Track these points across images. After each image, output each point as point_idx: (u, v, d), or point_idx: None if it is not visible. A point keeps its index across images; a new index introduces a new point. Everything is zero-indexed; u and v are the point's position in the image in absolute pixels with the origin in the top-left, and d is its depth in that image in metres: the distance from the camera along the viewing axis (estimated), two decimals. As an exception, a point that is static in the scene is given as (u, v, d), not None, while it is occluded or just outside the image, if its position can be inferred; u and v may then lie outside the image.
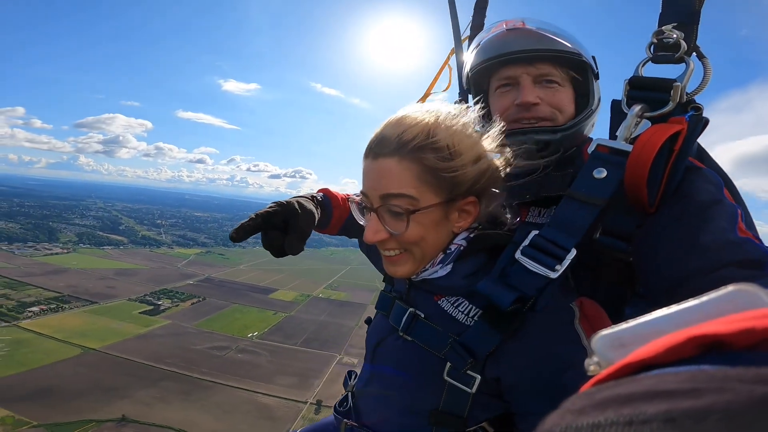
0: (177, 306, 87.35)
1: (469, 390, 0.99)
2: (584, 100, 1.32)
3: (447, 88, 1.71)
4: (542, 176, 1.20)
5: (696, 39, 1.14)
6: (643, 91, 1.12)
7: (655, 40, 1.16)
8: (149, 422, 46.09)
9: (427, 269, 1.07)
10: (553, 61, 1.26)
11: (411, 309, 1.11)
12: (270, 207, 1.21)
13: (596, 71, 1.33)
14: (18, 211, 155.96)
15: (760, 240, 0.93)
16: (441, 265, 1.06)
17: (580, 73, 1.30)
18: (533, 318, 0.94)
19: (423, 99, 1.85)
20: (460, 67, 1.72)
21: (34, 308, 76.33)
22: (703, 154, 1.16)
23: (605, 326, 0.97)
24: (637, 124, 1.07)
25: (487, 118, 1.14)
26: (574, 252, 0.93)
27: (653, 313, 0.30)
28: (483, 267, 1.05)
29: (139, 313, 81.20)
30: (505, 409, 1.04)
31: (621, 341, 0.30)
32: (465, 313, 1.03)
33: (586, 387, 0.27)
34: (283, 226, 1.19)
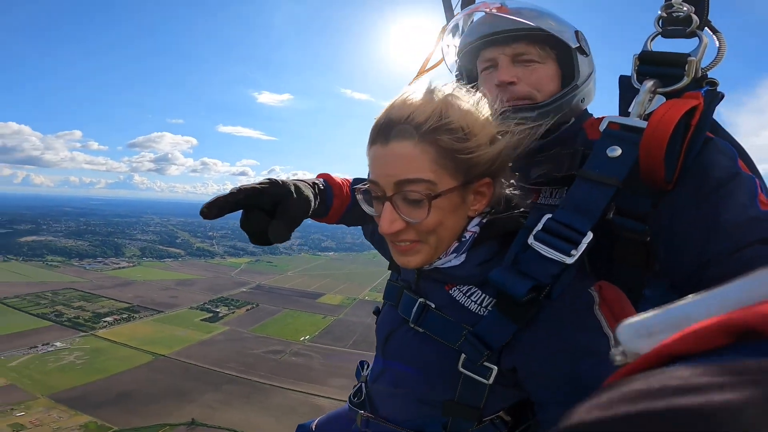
0: (233, 313, 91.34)
1: (485, 381, 0.96)
2: (569, 75, 1.30)
3: (439, 63, 1.63)
4: (551, 156, 1.17)
5: (708, 13, 1.09)
6: (654, 66, 1.07)
7: (664, 14, 1.11)
8: (216, 425, 48.49)
9: (441, 258, 1.02)
10: (528, 40, 1.25)
11: (421, 299, 1.08)
12: (260, 183, 1.05)
13: (578, 46, 1.28)
14: (85, 230, 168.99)
15: None
16: (455, 254, 1.02)
17: (560, 49, 1.28)
18: (549, 306, 0.90)
19: (416, 79, 1.68)
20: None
21: (108, 318, 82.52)
22: (717, 127, 1.10)
23: (626, 310, 0.90)
24: (650, 100, 1.03)
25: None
26: (590, 235, 0.88)
27: (681, 299, 0.28)
28: (496, 254, 1.02)
29: (200, 320, 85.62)
30: (522, 397, 1.02)
31: (648, 330, 0.29)
32: (478, 302, 1.00)
33: (613, 378, 0.26)
34: (272, 209, 1.04)
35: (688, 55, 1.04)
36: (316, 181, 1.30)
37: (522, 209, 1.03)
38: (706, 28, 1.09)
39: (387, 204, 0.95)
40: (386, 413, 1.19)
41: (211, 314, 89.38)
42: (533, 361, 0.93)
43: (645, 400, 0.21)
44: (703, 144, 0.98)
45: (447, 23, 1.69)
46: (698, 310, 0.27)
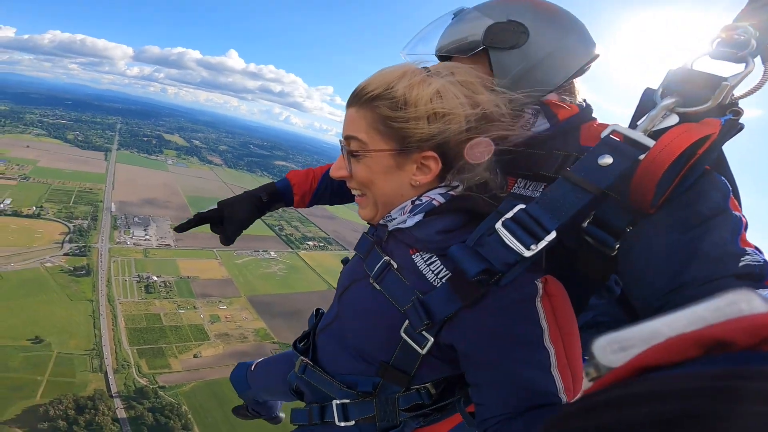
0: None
1: (420, 351, 1.01)
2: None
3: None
4: (543, 155, 1.16)
5: None
6: (684, 84, 0.99)
7: (723, 35, 1.01)
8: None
9: (396, 218, 1.09)
10: (455, 53, 1.28)
11: (386, 257, 1.13)
12: (210, 209, 1.59)
13: (485, 46, 1.21)
14: (315, 166, 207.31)
15: (760, 252, 0.90)
16: (410, 214, 1.07)
17: (479, 55, 1.24)
18: (495, 292, 0.94)
19: None
20: None
21: (310, 242, 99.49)
22: (722, 158, 1.03)
23: (565, 306, 0.96)
24: (663, 117, 0.97)
25: None
26: (553, 235, 0.88)
27: (653, 318, 0.30)
28: (460, 227, 1.05)
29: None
30: (451, 374, 1.09)
31: (621, 345, 0.30)
32: (435, 273, 1.03)
33: (590, 390, 0.27)
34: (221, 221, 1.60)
35: (725, 79, 0.95)
36: (267, 186, 1.71)
37: (495, 193, 1.07)
38: (759, 55, 0.99)
39: (342, 154, 1.10)
40: (325, 363, 1.27)
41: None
42: (470, 341, 0.97)
43: (618, 408, 0.22)
44: (702, 176, 0.95)
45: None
46: (669, 327, 0.28)
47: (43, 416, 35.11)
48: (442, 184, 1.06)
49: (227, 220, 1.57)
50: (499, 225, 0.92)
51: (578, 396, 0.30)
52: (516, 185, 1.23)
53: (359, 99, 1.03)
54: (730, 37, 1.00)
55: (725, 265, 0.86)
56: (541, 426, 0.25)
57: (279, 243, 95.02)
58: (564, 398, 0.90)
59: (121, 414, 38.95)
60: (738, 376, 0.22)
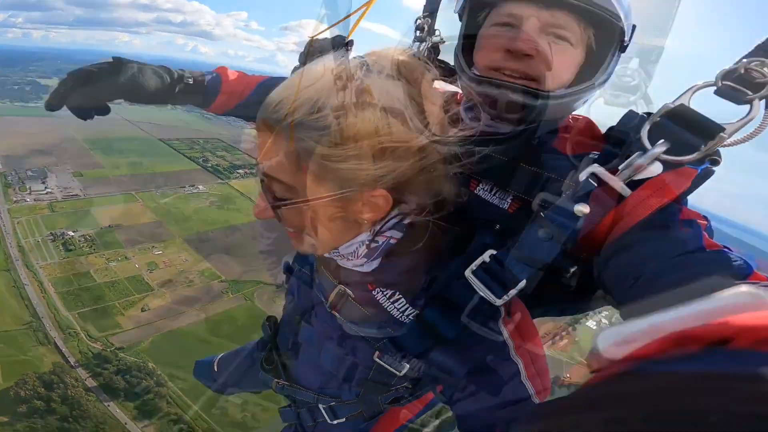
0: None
1: (397, 373, 1.03)
2: (592, 70, 1.05)
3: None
4: (512, 158, 1.03)
5: None
6: (679, 126, 0.87)
7: (742, 71, 0.87)
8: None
9: (351, 260, 0.98)
10: (579, 14, 0.97)
11: (341, 286, 1.06)
12: (102, 62, 1.22)
13: (626, 44, 1.06)
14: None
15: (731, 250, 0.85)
16: (366, 259, 0.97)
17: (604, 40, 1.03)
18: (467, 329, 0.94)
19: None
20: None
21: (241, 170, 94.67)
22: None
23: (527, 321, 1.00)
24: (649, 164, 0.87)
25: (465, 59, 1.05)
26: (523, 283, 0.86)
27: (655, 313, 0.30)
28: (424, 261, 1.00)
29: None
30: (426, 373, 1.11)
31: (625, 338, 0.30)
32: (400, 310, 1.00)
33: (590, 382, 0.28)
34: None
35: (723, 129, 0.84)
36: (198, 74, 1.42)
37: (453, 203, 0.95)
38: (765, 99, 0.87)
39: (261, 187, 0.88)
40: (302, 381, 1.28)
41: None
42: (444, 367, 0.99)
43: (614, 402, 0.24)
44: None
45: None
46: (670, 321, 0.29)
47: (15, 399, 33.66)
48: (395, 214, 0.91)
49: (125, 79, 1.20)
50: (469, 273, 0.89)
51: (584, 385, 0.29)
52: (480, 187, 1.10)
53: (276, 125, 0.79)
54: (748, 74, 0.87)
55: (710, 267, 0.80)
56: (549, 410, 0.26)
57: (206, 175, 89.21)
58: (537, 400, 0.96)
59: (91, 383, 37.90)
60: (734, 378, 0.23)
